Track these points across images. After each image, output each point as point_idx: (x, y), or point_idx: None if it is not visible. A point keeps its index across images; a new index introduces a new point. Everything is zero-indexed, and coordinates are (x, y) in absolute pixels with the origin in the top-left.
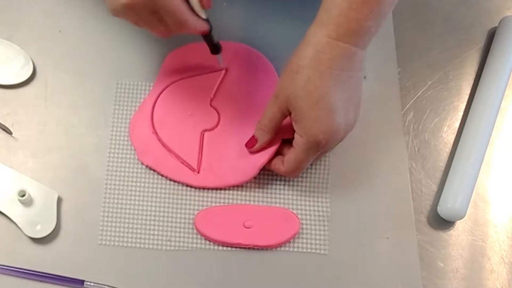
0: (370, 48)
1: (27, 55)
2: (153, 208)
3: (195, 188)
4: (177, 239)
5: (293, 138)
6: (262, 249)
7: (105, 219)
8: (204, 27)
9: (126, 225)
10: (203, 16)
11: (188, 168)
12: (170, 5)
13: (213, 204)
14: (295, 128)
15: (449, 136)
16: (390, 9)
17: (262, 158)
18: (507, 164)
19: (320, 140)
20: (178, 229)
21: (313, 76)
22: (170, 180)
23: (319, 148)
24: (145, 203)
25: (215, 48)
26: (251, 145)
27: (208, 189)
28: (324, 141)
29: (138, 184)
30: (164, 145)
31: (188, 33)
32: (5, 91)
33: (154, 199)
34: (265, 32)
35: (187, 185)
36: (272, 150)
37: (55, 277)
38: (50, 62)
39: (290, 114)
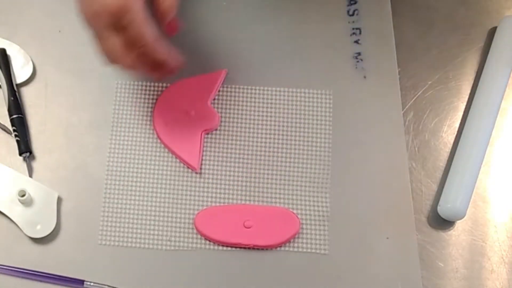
0: (370, 48)
1: (27, 55)
2: (153, 208)
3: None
4: (177, 239)
5: None
6: (262, 249)
7: (105, 219)
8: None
9: (126, 225)
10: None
11: (189, 168)
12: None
13: (213, 204)
14: None
15: (449, 136)
16: None
17: None
18: (507, 164)
19: None
20: (178, 229)
21: None
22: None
23: None
24: (145, 203)
25: (19, 146)
26: None
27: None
28: None
29: (138, 184)
30: (164, 145)
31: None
32: None
33: (154, 199)
34: (265, 32)
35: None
36: None
37: (55, 277)
38: (50, 62)
39: None
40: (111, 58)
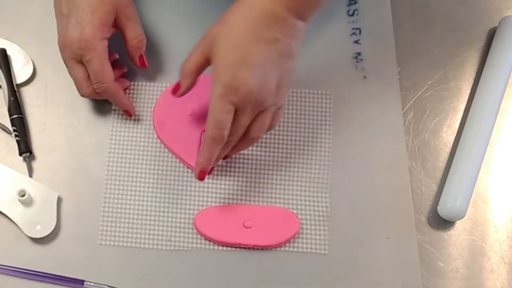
0: (370, 48)
1: (27, 55)
2: (153, 208)
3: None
4: (177, 239)
5: None
6: (262, 249)
7: (105, 219)
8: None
9: (126, 225)
10: None
11: (189, 168)
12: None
13: (213, 204)
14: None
15: (449, 136)
16: None
17: None
18: (507, 164)
19: (228, 85)
20: (178, 229)
21: (239, 23)
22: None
23: (228, 97)
24: (145, 203)
25: (19, 146)
26: (176, 91)
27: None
28: (231, 88)
29: (138, 184)
30: (164, 145)
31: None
32: None
33: (154, 199)
34: None
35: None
36: None
37: (55, 277)
38: (50, 62)
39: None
40: (76, 85)
